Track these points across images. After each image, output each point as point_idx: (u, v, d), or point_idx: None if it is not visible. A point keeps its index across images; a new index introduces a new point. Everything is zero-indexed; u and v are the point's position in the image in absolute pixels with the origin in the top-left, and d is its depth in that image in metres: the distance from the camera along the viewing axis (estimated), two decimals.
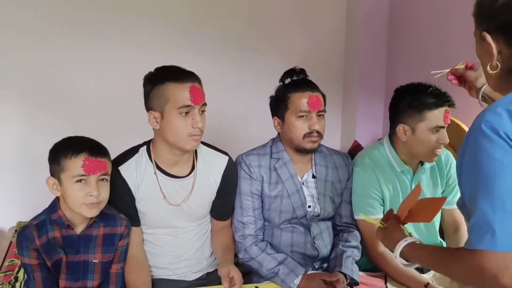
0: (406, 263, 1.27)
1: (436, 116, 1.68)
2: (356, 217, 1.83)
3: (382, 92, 3.09)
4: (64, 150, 1.41)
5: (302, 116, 1.68)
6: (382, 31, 2.99)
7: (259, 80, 2.90)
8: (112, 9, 2.68)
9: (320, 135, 1.71)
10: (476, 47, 1.04)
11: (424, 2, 2.59)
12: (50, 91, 2.65)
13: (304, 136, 1.68)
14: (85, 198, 1.42)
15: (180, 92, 1.51)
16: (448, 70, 1.52)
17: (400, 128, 1.75)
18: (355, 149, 3.06)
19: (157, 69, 1.60)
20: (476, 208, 0.90)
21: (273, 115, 1.79)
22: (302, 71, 1.78)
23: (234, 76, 2.93)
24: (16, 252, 1.83)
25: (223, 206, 1.77)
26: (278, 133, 1.81)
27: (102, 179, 1.46)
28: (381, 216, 1.77)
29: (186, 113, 1.52)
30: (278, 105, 1.75)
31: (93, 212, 1.45)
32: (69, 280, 1.50)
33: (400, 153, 1.82)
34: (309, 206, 1.76)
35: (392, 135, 1.84)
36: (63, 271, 1.48)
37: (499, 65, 0.99)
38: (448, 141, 1.72)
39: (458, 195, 1.15)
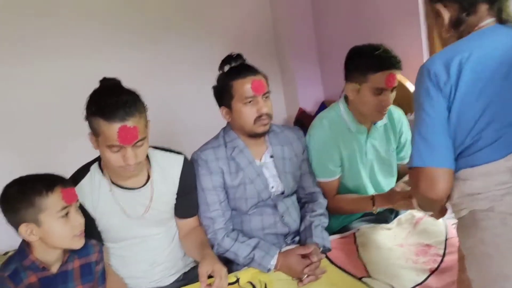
0: None
1: (378, 78, 1.72)
2: (318, 179, 1.89)
3: (315, 57, 3.15)
4: (35, 190, 1.32)
5: (249, 102, 1.68)
6: None
7: (196, 67, 2.86)
8: (32, 17, 2.55)
9: (269, 116, 1.71)
10: (431, 17, 1.24)
11: None
12: None
13: (255, 121, 1.69)
14: (73, 229, 1.38)
15: (108, 130, 1.41)
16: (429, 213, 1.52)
17: (348, 86, 1.79)
18: (301, 115, 3.13)
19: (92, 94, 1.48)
20: None
21: (220, 105, 1.77)
22: (239, 56, 1.75)
23: (171, 65, 2.87)
24: None
25: (186, 203, 1.73)
26: (228, 122, 1.80)
27: (77, 207, 1.42)
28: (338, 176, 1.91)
29: (118, 150, 1.45)
30: (223, 95, 1.73)
31: (83, 241, 1.41)
32: None
33: (354, 112, 1.86)
34: (272, 187, 1.78)
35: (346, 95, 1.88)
36: None
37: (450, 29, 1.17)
38: (390, 103, 1.79)
39: (409, 151, 1.21)
